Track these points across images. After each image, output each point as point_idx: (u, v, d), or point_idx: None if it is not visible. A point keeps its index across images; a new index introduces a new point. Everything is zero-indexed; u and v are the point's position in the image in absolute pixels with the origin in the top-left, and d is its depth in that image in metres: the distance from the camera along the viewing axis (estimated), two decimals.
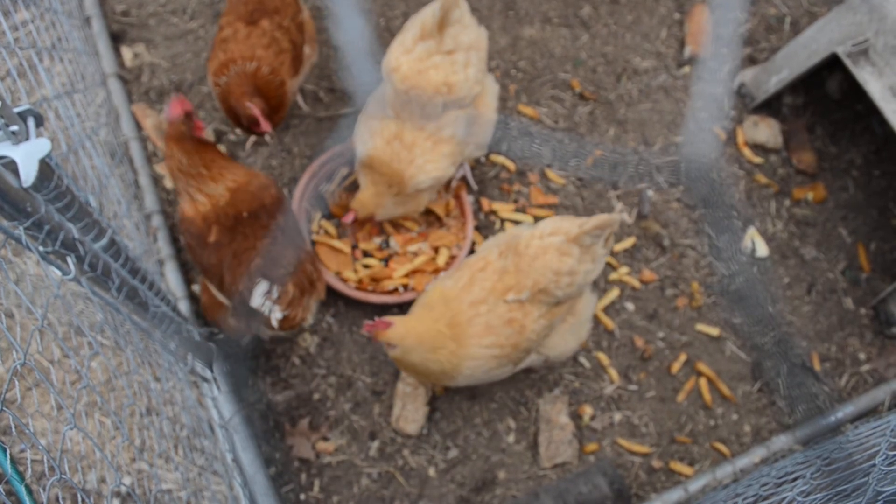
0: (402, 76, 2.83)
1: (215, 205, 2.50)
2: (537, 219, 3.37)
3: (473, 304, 2.56)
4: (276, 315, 2.38)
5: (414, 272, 3.19)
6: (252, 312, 2.34)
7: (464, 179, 3.35)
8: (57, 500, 2.27)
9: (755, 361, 3.22)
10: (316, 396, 3.07)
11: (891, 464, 1.72)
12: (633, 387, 3.15)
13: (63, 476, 1.34)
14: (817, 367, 3.23)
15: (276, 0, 3.05)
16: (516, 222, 3.35)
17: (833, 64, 3.22)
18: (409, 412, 3.00)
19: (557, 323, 2.64)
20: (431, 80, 2.81)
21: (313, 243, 3.25)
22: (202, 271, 2.62)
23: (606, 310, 3.24)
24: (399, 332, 2.51)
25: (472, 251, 3.28)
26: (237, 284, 2.37)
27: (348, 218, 3.04)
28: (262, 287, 2.32)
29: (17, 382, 2.69)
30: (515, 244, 2.56)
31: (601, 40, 3.77)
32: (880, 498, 1.65)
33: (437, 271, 3.18)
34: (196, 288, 3.19)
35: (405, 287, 3.17)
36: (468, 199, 3.30)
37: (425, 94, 2.83)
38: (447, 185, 3.31)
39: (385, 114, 2.91)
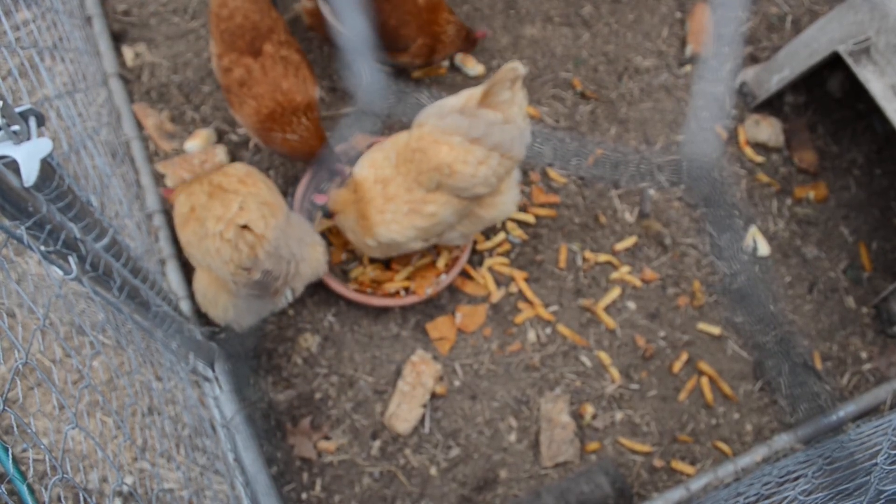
0: (419, 135, 2.74)
1: None
2: (538, 218, 3.37)
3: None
4: None
5: (414, 275, 3.19)
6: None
7: None
8: (59, 499, 2.27)
9: (757, 360, 3.22)
10: (317, 396, 3.07)
11: (893, 462, 1.72)
12: (635, 386, 3.15)
13: (65, 475, 1.34)
14: (819, 365, 3.23)
15: (266, 20, 3.03)
16: (518, 222, 3.35)
17: (834, 63, 3.22)
18: (403, 411, 3.00)
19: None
20: (439, 155, 2.69)
21: (324, 235, 3.24)
22: None
23: (608, 309, 3.24)
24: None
25: (473, 252, 3.28)
26: None
27: (321, 199, 2.98)
28: None
29: (18, 382, 2.70)
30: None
31: (602, 39, 3.77)
32: (882, 497, 1.65)
33: (437, 274, 3.17)
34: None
35: (406, 290, 3.17)
36: None
37: (426, 165, 2.72)
38: None
39: (390, 157, 2.85)
